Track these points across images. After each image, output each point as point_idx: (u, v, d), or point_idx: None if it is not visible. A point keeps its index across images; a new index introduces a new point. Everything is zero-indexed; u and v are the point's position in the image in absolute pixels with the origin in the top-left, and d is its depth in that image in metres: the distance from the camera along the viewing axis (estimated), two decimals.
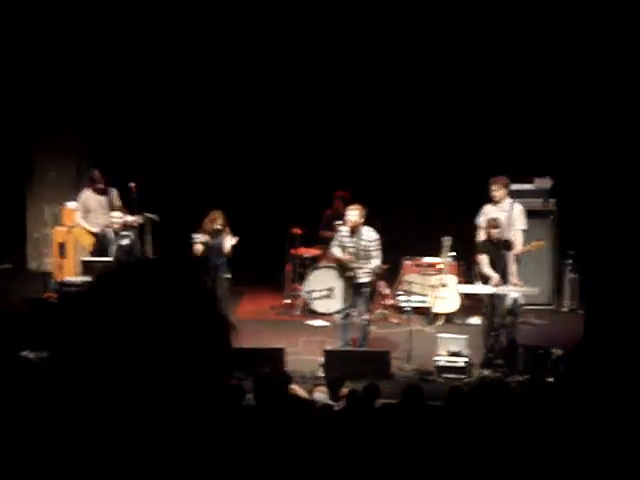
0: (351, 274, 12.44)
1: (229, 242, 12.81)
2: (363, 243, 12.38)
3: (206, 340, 1.50)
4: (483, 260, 12.41)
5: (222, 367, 1.54)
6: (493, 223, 12.32)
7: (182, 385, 1.46)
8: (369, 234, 12.45)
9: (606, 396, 7.88)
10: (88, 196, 14.35)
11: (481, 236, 13.52)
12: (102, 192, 14.30)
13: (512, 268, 12.24)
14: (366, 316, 12.54)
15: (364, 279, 12.44)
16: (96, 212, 14.13)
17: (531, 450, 6.63)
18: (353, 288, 12.50)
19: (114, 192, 14.48)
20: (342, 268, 12.73)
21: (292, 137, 16.60)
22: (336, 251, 12.67)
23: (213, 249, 12.76)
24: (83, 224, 14.08)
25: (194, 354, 1.48)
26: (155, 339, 1.43)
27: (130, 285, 1.48)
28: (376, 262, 12.44)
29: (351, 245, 12.44)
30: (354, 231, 12.41)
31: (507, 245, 12.29)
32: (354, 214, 12.40)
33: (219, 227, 12.76)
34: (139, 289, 1.47)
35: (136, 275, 1.51)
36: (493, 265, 12.22)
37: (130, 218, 13.98)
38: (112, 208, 14.19)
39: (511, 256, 12.27)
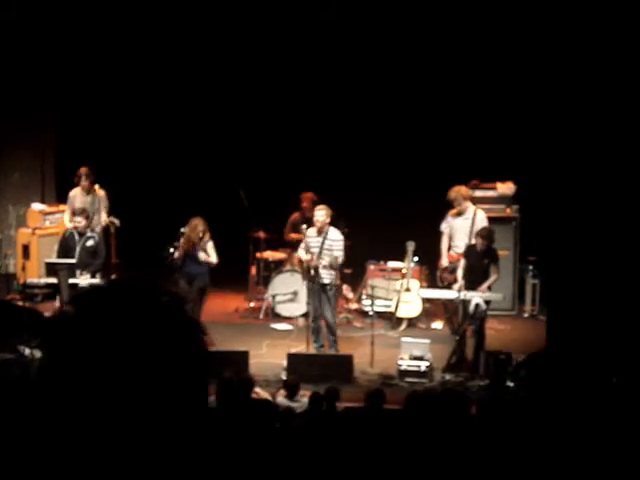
0: (313, 274, 12.50)
1: (211, 249, 12.83)
2: (327, 242, 12.50)
3: (181, 347, 1.54)
4: (461, 263, 12.55)
5: (199, 371, 1.59)
6: (482, 233, 12.41)
7: (164, 393, 1.50)
8: (334, 234, 12.62)
9: (566, 401, 7.98)
10: (75, 195, 14.21)
11: (444, 243, 13.66)
12: (88, 191, 14.20)
13: (492, 278, 12.33)
14: (332, 320, 12.60)
15: (327, 279, 12.52)
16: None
17: (490, 453, 6.70)
18: (317, 289, 12.55)
19: (102, 194, 14.39)
20: (307, 271, 12.80)
21: (257, 140, 16.59)
22: (301, 253, 12.80)
23: (193, 258, 12.74)
24: (68, 223, 13.81)
25: (172, 362, 1.52)
26: (134, 353, 1.48)
27: (105, 307, 1.52)
28: (337, 254, 12.56)
29: (315, 245, 12.54)
30: (320, 231, 12.53)
31: (492, 256, 12.38)
32: (322, 214, 12.55)
33: (200, 234, 12.76)
34: (114, 311, 1.52)
35: (109, 298, 1.55)
36: (471, 271, 12.33)
37: (103, 220, 14.00)
38: (98, 210, 14.12)
39: (492, 267, 12.35)
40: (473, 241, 12.66)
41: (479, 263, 12.32)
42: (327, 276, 12.55)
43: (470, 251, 12.52)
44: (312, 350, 12.60)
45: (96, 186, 14.37)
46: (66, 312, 1.56)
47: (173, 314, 1.57)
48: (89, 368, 1.46)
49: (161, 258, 12.78)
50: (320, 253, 12.49)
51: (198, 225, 12.78)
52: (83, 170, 14.11)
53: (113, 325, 1.50)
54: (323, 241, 12.54)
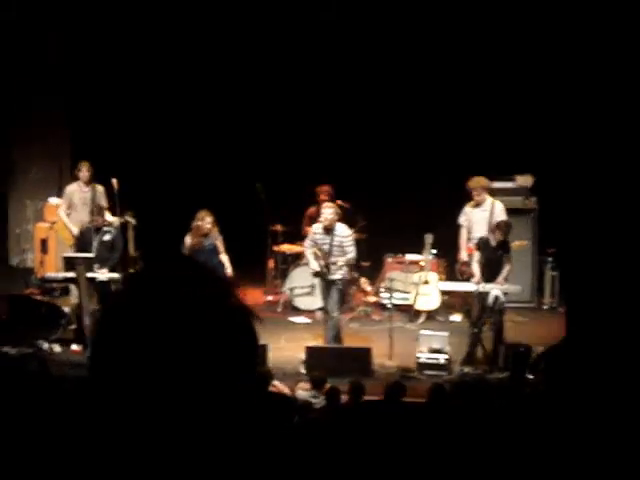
0: (324, 271, 12.44)
1: (221, 243, 12.80)
2: (337, 239, 12.42)
3: (235, 333, 1.50)
4: (476, 256, 12.50)
5: (250, 358, 1.55)
6: (502, 226, 12.35)
7: (216, 380, 1.46)
8: (343, 230, 12.52)
9: (586, 393, 7.93)
10: (73, 190, 14.10)
11: (463, 236, 13.59)
12: (87, 185, 14.12)
13: (506, 268, 12.29)
14: (336, 313, 12.54)
15: (337, 275, 12.46)
16: (78, 208, 13.89)
17: (512, 446, 6.66)
18: (326, 284, 12.51)
19: (100, 189, 14.27)
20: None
21: (275, 135, 16.58)
22: (308, 253, 12.68)
23: (205, 250, 12.68)
24: (64, 219, 13.85)
25: (226, 348, 1.47)
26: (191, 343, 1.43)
27: (158, 293, 1.47)
28: (350, 255, 12.51)
29: (325, 242, 12.46)
30: (328, 229, 12.44)
31: (506, 247, 12.37)
32: (330, 212, 12.44)
33: (208, 226, 12.69)
34: (167, 297, 1.46)
35: (160, 285, 1.50)
36: (487, 263, 12.28)
37: (110, 219, 13.91)
38: (96, 206, 14.02)
39: (505, 258, 12.32)
40: (486, 234, 12.61)
41: (494, 255, 12.27)
42: (338, 272, 12.50)
43: (485, 244, 12.46)
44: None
45: (113, 181, 14.36)
46: (118, 300, 1.51)
47: (225, 300, 1.51)
48: (145, 357, 1.42)
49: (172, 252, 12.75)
50: (330, 251, 12.41)
51: (206, 217, 12.72)
52: (84, 164, 13.97)
53: (166, 312, 1.45)
54: (332, 238, 12.46)
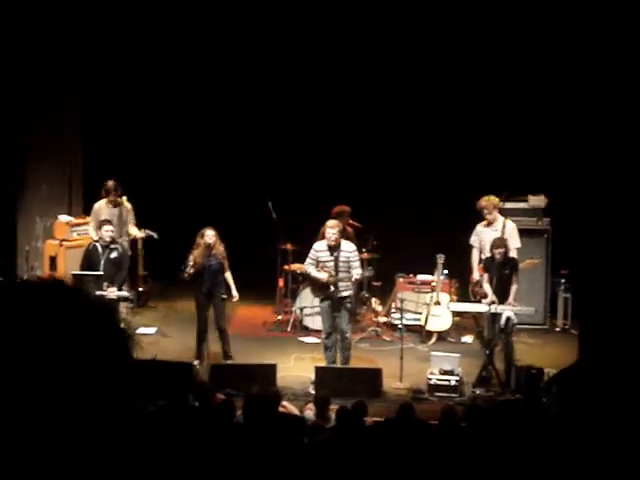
0: (332, 290, 12.34)
1: (225, 260, 12.69)
2: (343, 256, 12.32)
3: (104, 354, 1.42)
4: (485, 277, 12.43)
5: (123, 380, 1.47)
6: (497, 243, 12.28)
7: (85, 401, 1.39)
8: (347, 246, 12.46)
9: (599, 417, 7.80)
10: (101, 207, 14.22)
11: (475, 256, 13.49)
12: (115, 204, 14.21)
13: (513, 288, 12.20)
14: (349, 333, 12.47)
15: (346, 292, 12.38)
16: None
17: (524, 470, 6.55)
18: (334, 304, 12.39)
19: (128, 206, 14.44)
20: (319, 287, 12.60)
21: (285, 152, 16.54)
22: (311, 269, 12.58)
23: (212, 270, 12.59)
24: (93, 235, 13.82)
25: (93, 370, 1.40)
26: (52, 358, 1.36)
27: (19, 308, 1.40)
28: (358, 271, 12.44)
29: (330, 260, 12.36)
30: (333, 247, 12.35)
31: (513, 265, 12.29)
32: (335, 231, 12.35)
33: (210, 241, 12.58)
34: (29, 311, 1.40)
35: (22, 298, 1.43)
36: (497, 283, 12.18)
37: (135, 234, 14.01)
38: (125, 223, 14.16)
39: (513, 276, 12.24)
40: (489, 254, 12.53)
41: (500, 274, 12.17)
42: (346, 289, 12.41)
43: (490, 264, 12.36)
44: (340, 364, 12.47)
45: (124, 198, 14.37)
46: None
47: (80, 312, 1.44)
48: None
49: (178, 272, 12.69)
50: (337, 268, 12.32)
51: (207, 231, 12.62)
52: (111, 184, 14.14)
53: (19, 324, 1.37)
54: (338, 256, 12.35)
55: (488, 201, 13.30)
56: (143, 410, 6.53)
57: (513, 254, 12.77)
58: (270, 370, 11.67)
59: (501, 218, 13.42)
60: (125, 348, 1.47)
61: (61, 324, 1.39)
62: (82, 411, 1.38)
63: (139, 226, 14.46)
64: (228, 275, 12.79)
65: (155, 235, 14.40)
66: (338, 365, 12.37)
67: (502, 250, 12.17)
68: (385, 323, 14.82)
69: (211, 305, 12.71)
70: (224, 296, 12.74)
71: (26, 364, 1.35)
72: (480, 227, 13.47)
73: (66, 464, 1.37)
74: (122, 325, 1.49)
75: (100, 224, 13.27)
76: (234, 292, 12.78)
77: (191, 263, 12.51)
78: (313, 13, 15.26)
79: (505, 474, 6.50)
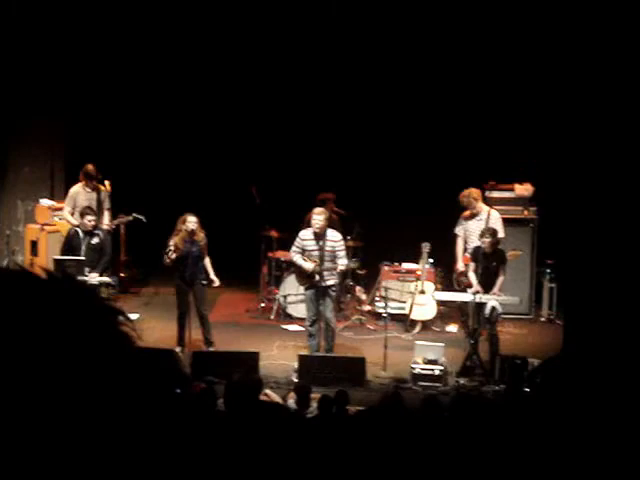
0: (317, 279, 12.27)
1: (204, 246, 12.52)
2: (329, 245, 12.25)
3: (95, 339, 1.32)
4: (471, 266, 12.37)
5: (122, 365, 1.37)
6: (487, 232, 12.21)
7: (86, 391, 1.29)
8: (333, 235, 12.37)
9: (583, 407, 7.75)
10: (78, 192, 13.98)
11: (459, 246, 13.44)
12: (94, 189, 14.02)
13: (499, 279, 12.15)
14: (333, 322, 12.42)
15: (331, 281, 12.32)
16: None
17: (506, 459, 6.48)
18: (319, 292, 12.31)
19: (105, 191, 14.27)
20: (304, 276, 12.52)
21: (272, 140, 16.45)
22: (297, 258, 12.48)
23: (193, 256, 12.43)
24: (69, 219, 13.65)
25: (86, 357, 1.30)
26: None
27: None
28: (343, 262, 12.38)
29: (315, 249, 12.28)
30: (319, 235, 12.26)
31: (501, 257, 12.23)
32: (321, 218, 12.27)
33: (191, 226, 12.39)
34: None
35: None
36: (483, 273, 12.12)
37: (106, 223, 13.81)
38: (101, 209, 13.97)
39: (500, 268, 12.19)
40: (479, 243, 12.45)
41: (487, 265, 12.12)
42: (330, 278, 12.34)
43: (478, 253, 12.30)
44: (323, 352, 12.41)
45: (106, 183, 14.24)
46: None
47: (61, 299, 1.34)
48: None
49: (162, 258, 12.52)
50: (322, 257, 12.24)
51: (188, 217, 12.44)
52: (91, 168, 13.85)
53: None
54: (324, 244, 12.27)
55: (468, 196, 13.27)
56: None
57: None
58: (253, 357, 11.58)
59: (486, 208, 13.38)
60: (114, 329, 1.38)
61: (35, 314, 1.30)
62: (76, 402, 1.29)
63: (126, 211, 14.32)
64: (207, 261, 12.63)
65: (143, 218, 14.24)
66: (321, 353, 12.31)
67: (490, 240, 12.08)
68: (369, 311, 14.75)
69: (191, 291, 12.56)
70: (204, 282, 12.61)
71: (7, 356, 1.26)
72: (464, 218, 13.43)
73: (53, 453, 1.28)
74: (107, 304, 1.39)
75: (81, 213, 13.07)
76: (213, 277, 12.65)
77: (172, 248, 12.34)
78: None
79: (486, 464, 6.43)
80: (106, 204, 14.21)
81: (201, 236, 12.49)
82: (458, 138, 15.68)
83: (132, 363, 1.41)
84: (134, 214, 14.27)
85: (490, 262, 12.15)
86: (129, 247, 15.43)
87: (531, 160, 14.41)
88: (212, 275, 12.66)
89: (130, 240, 15.22)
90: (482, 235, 12.20)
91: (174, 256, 12.33)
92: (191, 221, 12.39)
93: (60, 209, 14.51)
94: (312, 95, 16.04)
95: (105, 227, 13.71)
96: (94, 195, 14.00)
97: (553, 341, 12.58)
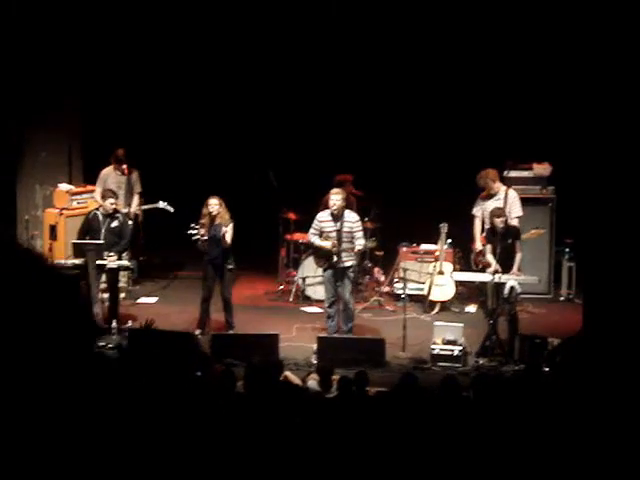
0: (335, 260, 12.29)
1: (227, 232, 12.47)
2: (347, 226, 12.29)
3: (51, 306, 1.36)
4: (487, 248, 12.36)
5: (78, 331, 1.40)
6: (497, 212, 12.21)
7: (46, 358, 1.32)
8: (351, 216, 12.42)
9: (603, 387, 7.73)
10: (109, 174, 14.24)
11: (477, 226, 13.43)
12: (124, 172, 14.19)
13: (517, 257, 12.15)
14: (352, 303, 12.44)
15: (349, 262, 12.35)
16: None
17: (525, 439, 6.49)
18: (337, 273, 12.32)
19: (136, 175, 14.47)
20: (322, 256, 12.54)
21: (289, 123, 16.44)
22: (315, 239, 12.50)
23: (214, 239, 12.41)
24: (99, 199, 13.61)
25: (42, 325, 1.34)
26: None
27: None
28: (361, 242, 12.44)
29: (333, 230, 12.31)
30: (336, 216, 12.28)
31: (515, 234, 12.23)
32: (339, 198, 12.34)
33: (213, 210, 12.42)
34: None
35: None
36: (500, 252, 12.11)
37: (133, 209, 13.99)
38: (131, 192, 14.11)
39: (517, 245, 12.18)
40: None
41: (503, 244, 12.10)
42: (349, 259, 12.35)
43: (491, 234, 12.29)
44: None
45: (135, 172, 14.40)
46: None
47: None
48: None
49: (191, 240, 12.50)
50: (340, 238, 12.26)
51: (211, 200, 12.45)
52: (121, 152, 14.15)
53: None
54: (341, 225, 12.29)
55: (485, 177, 13.27)
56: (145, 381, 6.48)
57: (514, 222, 12.75)
58: (272, 340, 11.61)
59: (503, 187, 13.37)
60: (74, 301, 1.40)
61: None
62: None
63: (151, 201, 14.45)
64: (226, 244, 12.52)
65: (171, 209, 14.39)
66: (341, 335, 12.33)
67: (503, 219, 12.09)
68: (388, 293, 14.74)
69: (217, 276, 12.56)
70: (231, 266, 12.60)
71: None
72: (482, 199, 13.42)
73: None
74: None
75: (103, 195, 13.15)
76: (228, 260, 12.61)
77: (202, 231, 12.37)
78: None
79: (506, 445, 6.44)
80: (137, 188, 14.48)
81: (225, 217, 12.48)
82: (476, 118, 15.63)
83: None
84: (162, 202, 14.39)
85: (506, 240, 12.13)
86: (149, 231, 15.45)
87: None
88: (228, 260, 12.62)
89: (149, 224, 15.24)
90: (494, 216, 12.17)
91: (205, 238, 12.33)
92: (212, 204, 12.41)
93: (79, 193, 14.64)
94: (329, 77, 16.03)
95: (132, 210, 13.90)
96: (123, 178, 14.24)
97: (572, 320, 12.53)
